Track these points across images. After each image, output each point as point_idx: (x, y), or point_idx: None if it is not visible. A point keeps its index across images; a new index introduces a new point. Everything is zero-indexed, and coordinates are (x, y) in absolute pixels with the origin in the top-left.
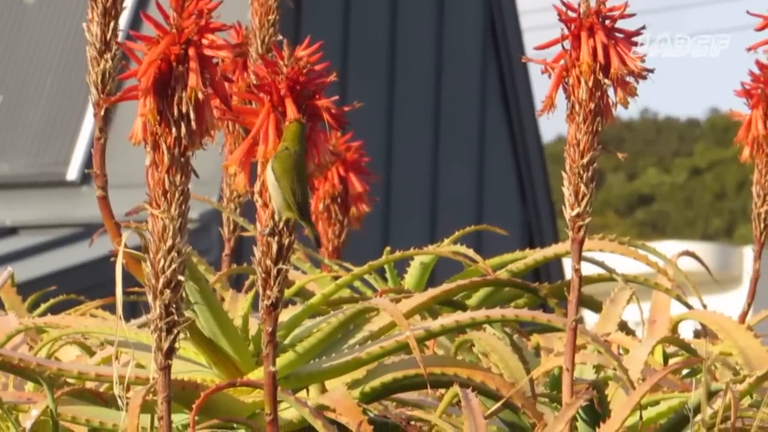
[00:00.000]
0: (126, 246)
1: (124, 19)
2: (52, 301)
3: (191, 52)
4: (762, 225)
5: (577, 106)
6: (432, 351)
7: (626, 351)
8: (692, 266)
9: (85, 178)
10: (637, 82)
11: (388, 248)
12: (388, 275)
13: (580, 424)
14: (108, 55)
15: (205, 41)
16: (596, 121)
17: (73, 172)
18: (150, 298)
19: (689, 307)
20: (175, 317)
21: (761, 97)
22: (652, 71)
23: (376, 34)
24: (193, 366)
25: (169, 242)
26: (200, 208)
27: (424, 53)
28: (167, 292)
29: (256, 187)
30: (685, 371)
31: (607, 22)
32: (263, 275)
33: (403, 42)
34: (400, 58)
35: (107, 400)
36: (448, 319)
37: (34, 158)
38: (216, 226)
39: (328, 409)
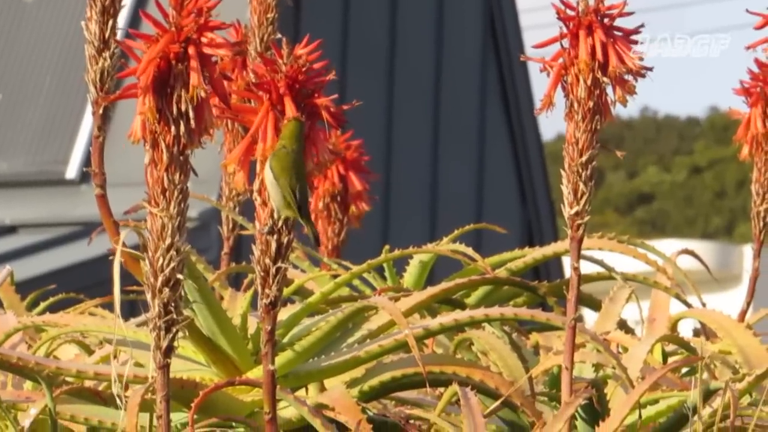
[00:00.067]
0: (125, 244)
1: (122, 18)
2: (51, 299)
3: (191, 50)
4: (761, 223)
5: (575, 105)
6: (431, 350)
7: (625, 349)
8: (692, 265)
9: (84, 177)
10: (636, 81)
11: (387, 247)
12: (387, 274)
13: (579, 422)
14: (107, 54)
15: (204, 39)
16: (595, 120)
17: (72, 171)
18: (149, 296)
19: (689, 305)
20: (174, 316)
21: (760, 95)
22: (650, 69)
23: (375, 32)
24: (191, 365)
25: (168, 241)
26: (199, 207)
27: (423, 52)
28: (166, 290)
29: (255, 185)
30: (684, 370)
31: (606, 20)
32: (262, 274)
33: (403, 40)
34: (400, 56)
35: (106, 399)
36: (447, 317)
37: (33, 157)
38: (215, 225)
39: (327, 407)
